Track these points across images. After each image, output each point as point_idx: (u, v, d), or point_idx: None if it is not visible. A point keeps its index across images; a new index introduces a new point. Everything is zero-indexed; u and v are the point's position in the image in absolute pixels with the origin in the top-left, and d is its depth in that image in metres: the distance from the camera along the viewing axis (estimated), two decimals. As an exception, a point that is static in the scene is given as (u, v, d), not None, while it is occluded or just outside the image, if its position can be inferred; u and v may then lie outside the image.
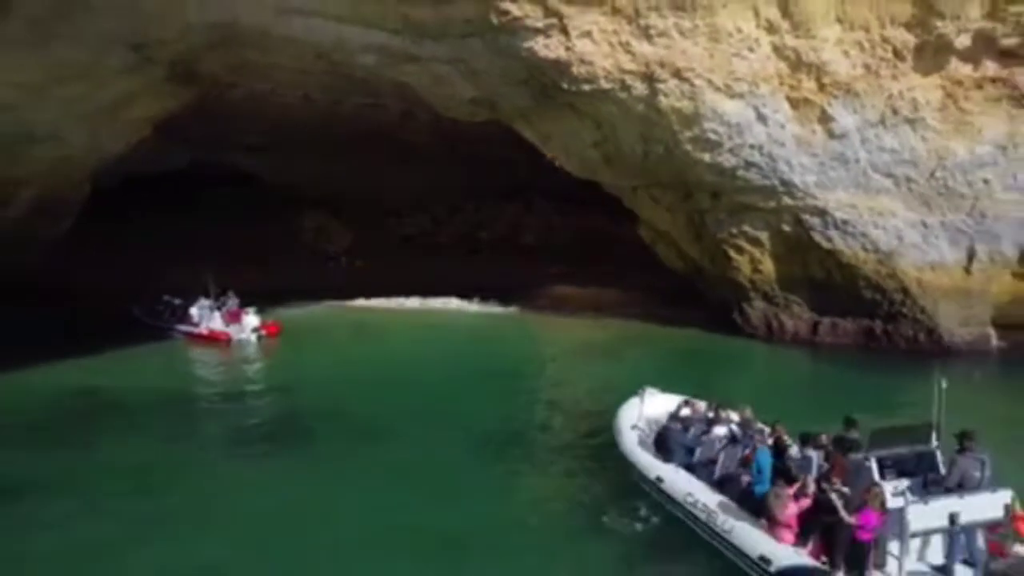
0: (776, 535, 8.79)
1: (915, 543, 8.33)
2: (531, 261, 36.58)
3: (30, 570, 9.86)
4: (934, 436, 8.88)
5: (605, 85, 19.67)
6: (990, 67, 19.45)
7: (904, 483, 8.42)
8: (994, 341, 21.13)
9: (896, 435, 8.86)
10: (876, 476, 8.48)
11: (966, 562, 8.30)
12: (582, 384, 19.50)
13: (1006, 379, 19.68)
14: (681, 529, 10.21)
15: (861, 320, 22.03)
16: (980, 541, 8.29)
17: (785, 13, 19.23)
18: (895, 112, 19.91)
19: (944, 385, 8.67)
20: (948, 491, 8.39)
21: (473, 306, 30.96)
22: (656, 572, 9.80)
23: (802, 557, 8.52)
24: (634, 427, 12.26)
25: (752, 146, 20.21)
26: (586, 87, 19.88)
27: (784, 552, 8.59)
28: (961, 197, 20.33)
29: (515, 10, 18.81)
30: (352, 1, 18.99)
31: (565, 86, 20.12)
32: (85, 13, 15.54)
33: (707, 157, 20.50)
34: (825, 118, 20.06)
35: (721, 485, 10.17)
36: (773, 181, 20.81)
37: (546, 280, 33.81)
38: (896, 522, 8.15)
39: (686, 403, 12.14)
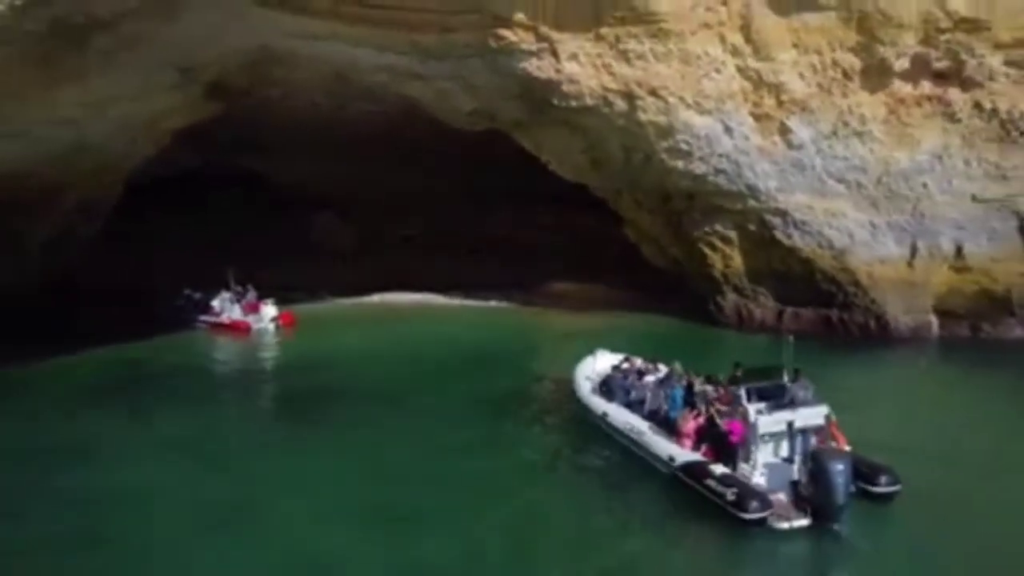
0: (680, 443, 13.08)
1: (769, 443, 12.14)
2: (527, 259, 39.50)
3: (107, 505, 12.76)
4: (784, 375, 12.82)
5: (590, 102, 22.85)
6: (926, 86, 22.70)
7: (762, 405, 12.13)
8: (935, 328, 24.27)
9: (760, 374, 12.94)
10: (744, 400, 12.31)
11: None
12: (565, 359, 22.43)
13: (944, 363, 22.87)
14: (620, 447, 14.52)
15: (820, 309, 25.15)
16: (812, 441, 11.96)
17: (748, 39, 22.43)
18: (845, 125, 23.11)
19: (791, 340, 12.90)
20: (786, 407, 12.15)
21: (472, 301, 33.96)
22: (604, 478, 13.74)
23: (695, 455, 12.70)
24: (587, 378, 16.45)
25: (720, 155, 23.39)
26: (574, 103, 23.06)
27: (684, 453, 12.85)
28: (904, 200, 23.52)
29: (510, 36, 21.99)
30: (367, 29, 22.09)
31: (555, 102, 23.30)
32: (146, 44, 18.64)
33: (681, 164, 23.67)
34: (784, 130, 23.25)
35: (649, 416, 14.38)
36: (739, 186, 23.98)
37: (541, 277, 36.77)
38: (754, 430, 11.99)
39: (626, 359, 16.37)
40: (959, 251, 23.82)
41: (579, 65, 22.39)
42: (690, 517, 11.96)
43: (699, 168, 23.65)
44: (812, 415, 12.01)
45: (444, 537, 11.35)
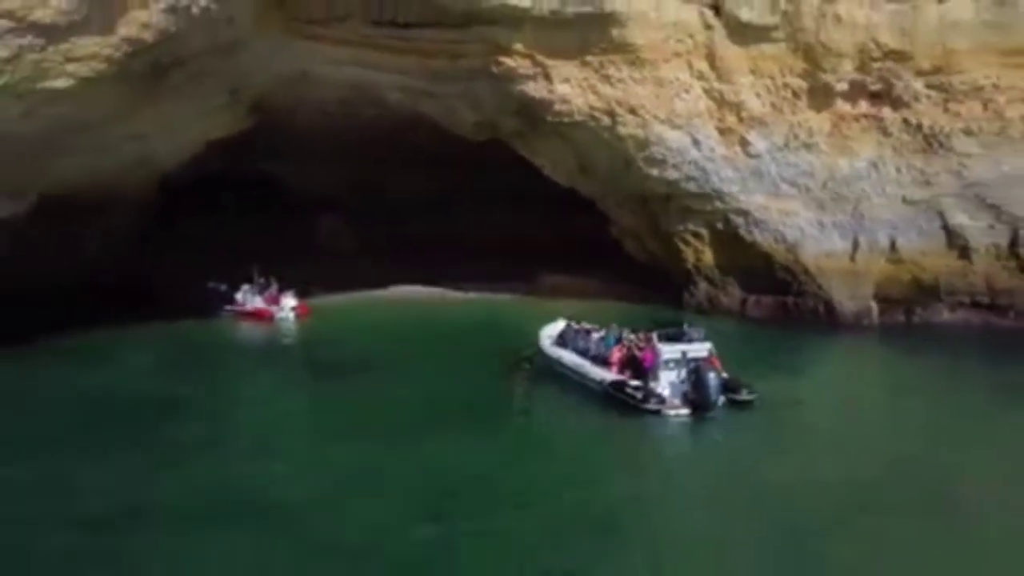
0: (610, 370, 19.45)
1: (671, 369, 18.31)
2: (523, 256, 44.09)
3: (183, 443, 17.08)
4: (685, 326, 19.37)
5: (579, 118, 27.61)
6: (863, 106, 27.57)
7: (667, 343, 18.27)
8: (875, 312, 29.04)
9: (670, 326, 19.58)
10: (655, 340, 18.77)
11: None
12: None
13: (883, 345, 27.69)
14: (571, 381, 20.78)
15: (777, 296, 29.92)
16: (711, 376, 17.85)
17: (712, 66, 27.24)
18: (796, 138, 27.94)
19: (690, 297, 20.25)
20: (682, 343, 18.60)
21: (472, 294, 38.49)
22: (560, 396, 19.99)
23: (619, 376, 19.12)
24: (548, 336, 22.86)
25: (690, 163, 28.16)
26: (565, 119, 27.83)
27: (612, 375, 19.32)
28: (846, 201, 28.36)
29: (510, 62, 26.73)
30: (389, 55, 26.78)
31: (549, 117, 28.06)
32: (208, 75, 23.24)
33: (656, 172, 28.44)
34: (744, 142, 28.04)
35: (592, 359, 20.68)
36: (707, 190, 28.75)
37: (536, 272, 41.33)
38: (659, 357, 18.21)
39: (578, 323, 22.50)
40: (893, 245, 28.63)
41: (569, 87, 27.14)
42: (615, 412, 18.34)
43: (672, 175, 28.40)
44: (699, 348, 18.49)
45: (443, 440, 16.46)
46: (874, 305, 29.17)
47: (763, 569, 11.38)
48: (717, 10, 26.62)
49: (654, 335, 18.93)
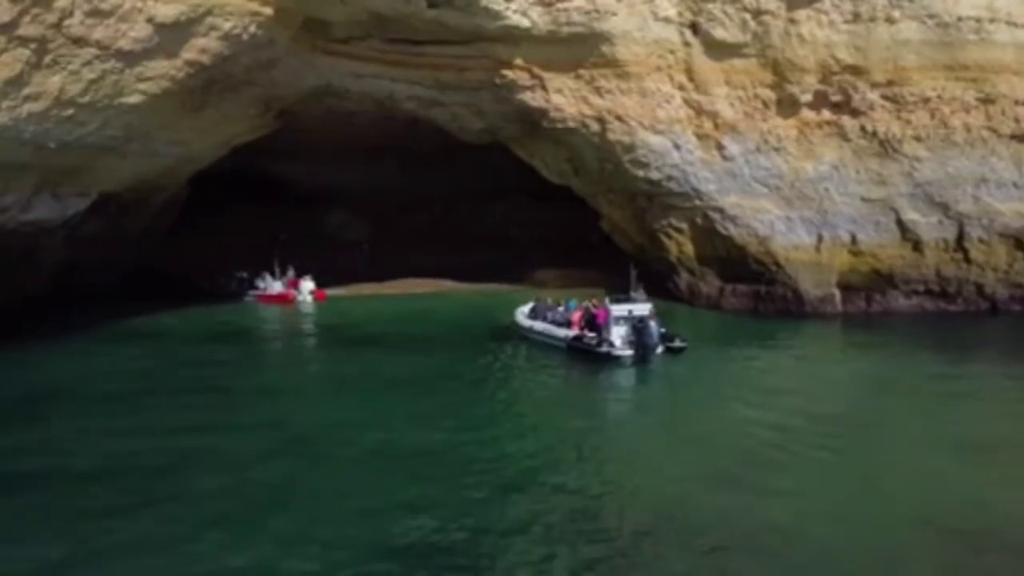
0: (570, 329, 24.45)
1: (621, 325, 22.99)
2: (517, 250, 47.99)
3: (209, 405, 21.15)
4: (631, 292, 24.11)
5: (571, 124, 31.53)
6: (826, 114, 31.49)
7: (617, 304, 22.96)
8: (838, 299, 32.99)
9: (621, 293, 24.47)
10: (608, 301, 23.50)
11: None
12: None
13: (843, 326, 31.64)
14: (540, 343, 26.01)
15: (751, 285, 33.86)
16: (653, 326, 22.63)
17: (690, 78, 31.18)
18: (766, 143, 31.86)
19: (635, 270, 24.38)
20: (628, 304, 23.38)
21: (469, 284, 42.37)
22: (531, 355, 24.55)
23: (578, 333, 24.20)
24: (522, 312, 28.32)
25: (671, 165, 32.09)
26: (559, 125, 31.74)
27: (572, 333, 24.48)
28: (811, 200, 32.29)
29: (511, 75, 30.65)
30: (403, 69, 30.68)
31: (545, 124, 31.97)
32: (246, 87, 27.08)
33: (641, 172, 32.36)
34: (720, 147, 31.97)
35: (556, 324, 25.96)
36: (687, 189, 32.67)
37: (529, 265, 45.21)
38: (611, 314, 22.31)
39: (545, 301, 27.64)
40: (854, 239, 32.58)
41: (563, 97, 31.08)
42: (576, 361, 23.83)
43: (655, 175, 32.35)
44: (642, 308, 23.60)
45: (442, 395, 20.40)
46: (837, 292, 33.11)
47: (678, 456, 15.71)
48: (695, 29, 30.57)
49: (607, 299, 24.36)
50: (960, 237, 31.84)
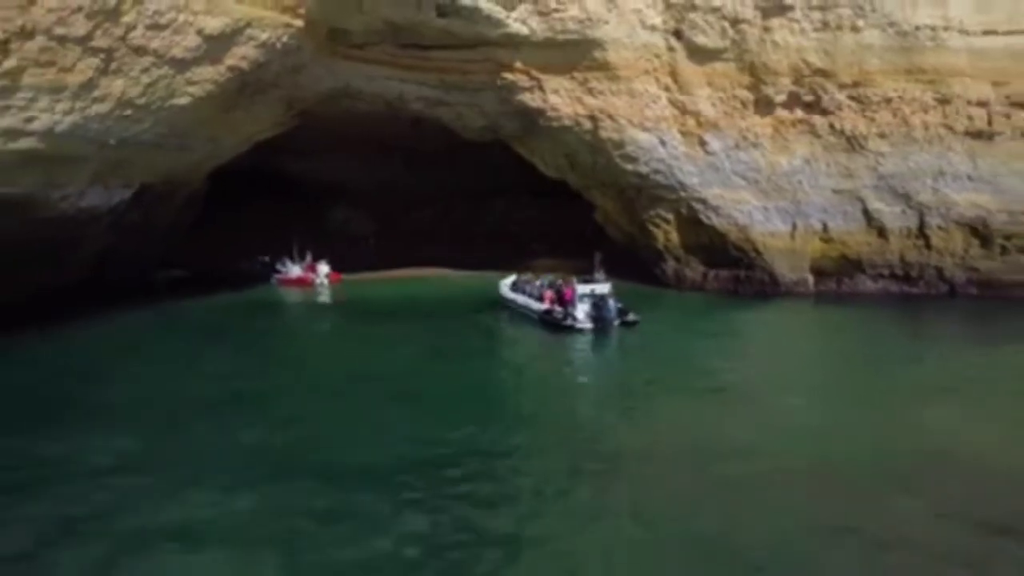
0: (542, 303, 29.88)
1: (585, 302, 28.07)
2: (515, 243, 51.49)
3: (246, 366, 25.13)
4: (595, 275, 28.20)
5: (567, 123, 35.15)
6: (798, 113, 35.19)
7: (582, 284, 27.52)
8: (811, 282, 36.65)
9: (587, 274, 28.63)
10: (575, 282, 28.51)
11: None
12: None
13: (815, 306, 35.32)
14: (519, 313, 31.76)
15: (732, 270, 37.56)
16: (611, 302, 26.84)
17: (675, 80, 34.83)
18: (745, 139, 35.51)
19: (598, 256, 28.43)
20: (591, 284, 28.46)
21: (468, 272, 45.88)
22: (511, 322, 29.66)
23: (549, 306, 29.66)
24: (506, 286, 32.37)
25: (658, 160, 35.72)
26: (555, 123, 35.35)
27: (544, 306, 30.06)
28: (786, 191, 35.99)
29: (511, 77, 34.26)
30: (412, 72, 34.26)
31: (542, 122, 35.58)
32: (272, 89, 30.63)
33: (630, 167, 35.98)
34: (703, 143, 35.62)
35: (532, 297, 31.24)
36: (672, 182, 36.31)
37: (526, 256, 48.73)
38: (576, 292, 26.69)
39: (524, 278, 32.28)
40: (825, 227, 36.29)
41: (559, 97, 34.68)
42: (547, 331, 28.35)
43: (643, 169, 35.98)
44: (602, 287, 28.54)
45: (441, 343, 25.77)
46: (810, 276, 36.84)
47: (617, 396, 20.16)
48: (678, 36, 34.24)
49: (574, 279, 29.68)
50: (921, 225, 35.53)
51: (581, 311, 27.63)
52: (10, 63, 20.76)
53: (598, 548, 11.45)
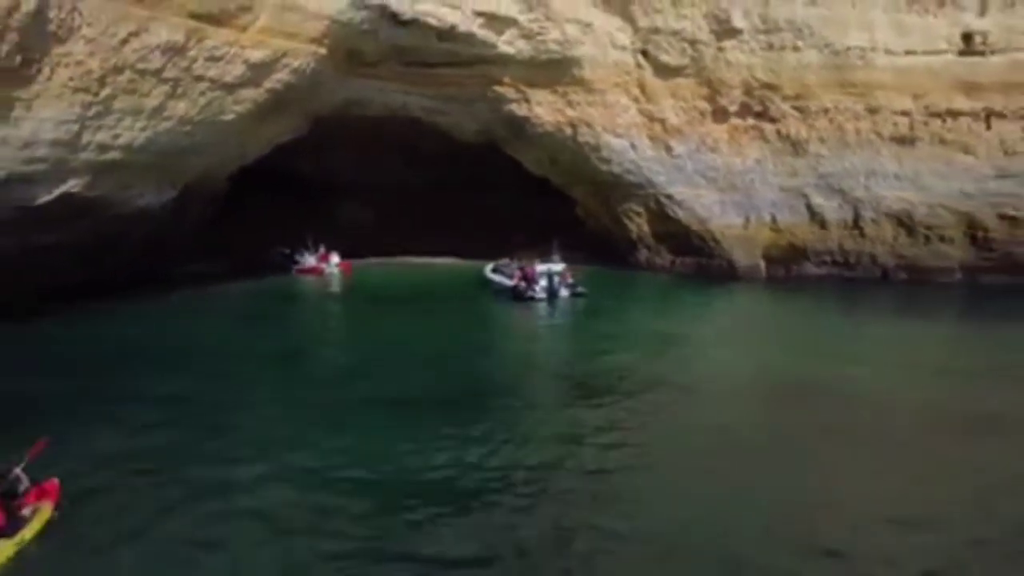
0: (513, 281, 38.11)
1: (543, 279, 36.24)
2: (506, 234, 57.59)
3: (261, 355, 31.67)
4: (552, 257, 36.30)
5: (549, 129, 41.70)
6: (750, 121, 41.79)
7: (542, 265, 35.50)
8: (763, 268, 43.21)
9: (547, 254, 37.01)
10: (537, 264, 36.82)
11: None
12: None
13: (766, 288, 41.90)
14: (497, 289, 39.89)
15: (696, 257, 44.13)
16: (556, 278, 36.46)
17: (643, 93, 41.34)
18: (704, 143, 42.06)
19: (555, 241, 37.01)
20: (548, 264, 36.14)
21: (462, 260, 52.11)
22: (496, 298, 37.49)
23: (518, 284, 37.76)
24: (490, 269, 40.81)
25: (629, 161, 42.24)
26: (539, 130, 41.87)
27: (514, 283, 38.35)
28: (740, 188, 42.60)
29: (501, 90, 40.72)
30: (416, 86, 40.57)
31: (528, 129, 42.07)
32: (294, 102, 36.90)
33: (605, 167, 42.51)
34: (668, 147, 42.15)
35: (506, 276, 38.98)
36: (642, 180, 42.83)
37: (515, 246, 54.89)
38: (536, 272, 34.77)
39: (503, 262, 39.87)
40: (774, 220, 42.89)
41: (543, 108, 41.16)
42: (514, 302, 36.53)
43: (617, 169, 42.48)
44: (557, 267, 37.20)
45: (439, 320, 31.96)
46: (762, 263, 43.45)
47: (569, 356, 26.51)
48: (645, 55, 40.74)
49: (537, 260, 37.91)
50: (856, 218, 42.20)
51: (539, 286, 36.20)
52: (105, 91, 27.01)
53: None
